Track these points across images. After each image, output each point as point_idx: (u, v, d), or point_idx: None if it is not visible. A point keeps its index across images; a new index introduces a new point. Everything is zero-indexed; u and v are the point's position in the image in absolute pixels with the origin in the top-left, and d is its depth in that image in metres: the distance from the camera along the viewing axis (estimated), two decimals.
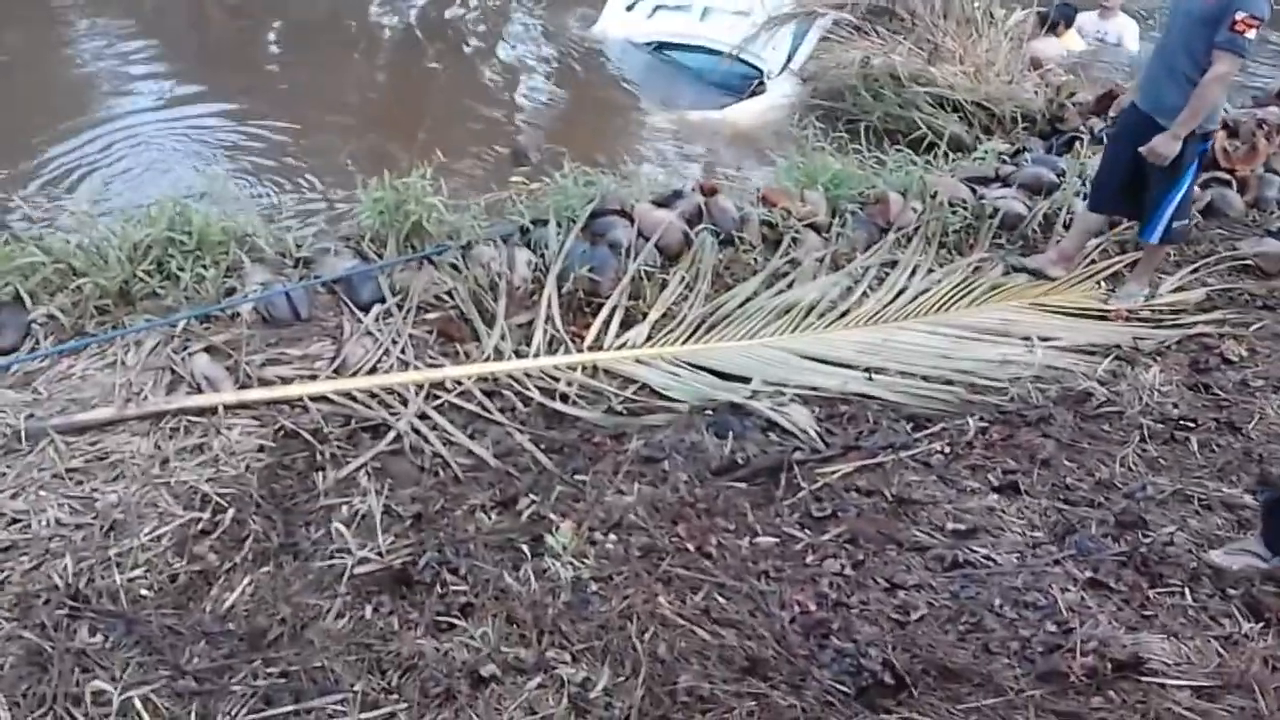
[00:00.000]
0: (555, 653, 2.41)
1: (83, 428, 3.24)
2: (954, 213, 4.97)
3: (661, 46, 7.50)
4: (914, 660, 2.43)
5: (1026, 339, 4.29)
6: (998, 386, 3.94)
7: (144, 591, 2.57)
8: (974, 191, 5.15)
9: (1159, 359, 4.21)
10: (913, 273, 4.71)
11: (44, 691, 2.22)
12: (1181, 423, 3.71)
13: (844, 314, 4.43)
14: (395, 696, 2.26)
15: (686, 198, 4.71)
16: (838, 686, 2.34)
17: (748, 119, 6.71)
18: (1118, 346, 4.27)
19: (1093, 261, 4.96)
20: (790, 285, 4.52)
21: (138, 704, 2.16)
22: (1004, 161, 5.60)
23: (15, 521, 2.84)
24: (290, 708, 2.21)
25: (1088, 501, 3.22)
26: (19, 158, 5.40)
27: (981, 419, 3.70)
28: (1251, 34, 4.11)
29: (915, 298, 4.59)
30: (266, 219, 4.34)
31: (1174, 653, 2.52)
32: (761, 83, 6.91)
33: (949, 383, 3.97)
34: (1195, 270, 4.96)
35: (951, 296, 4.63)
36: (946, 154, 5.62)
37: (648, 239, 4.43)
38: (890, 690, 2.34)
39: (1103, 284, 4.85)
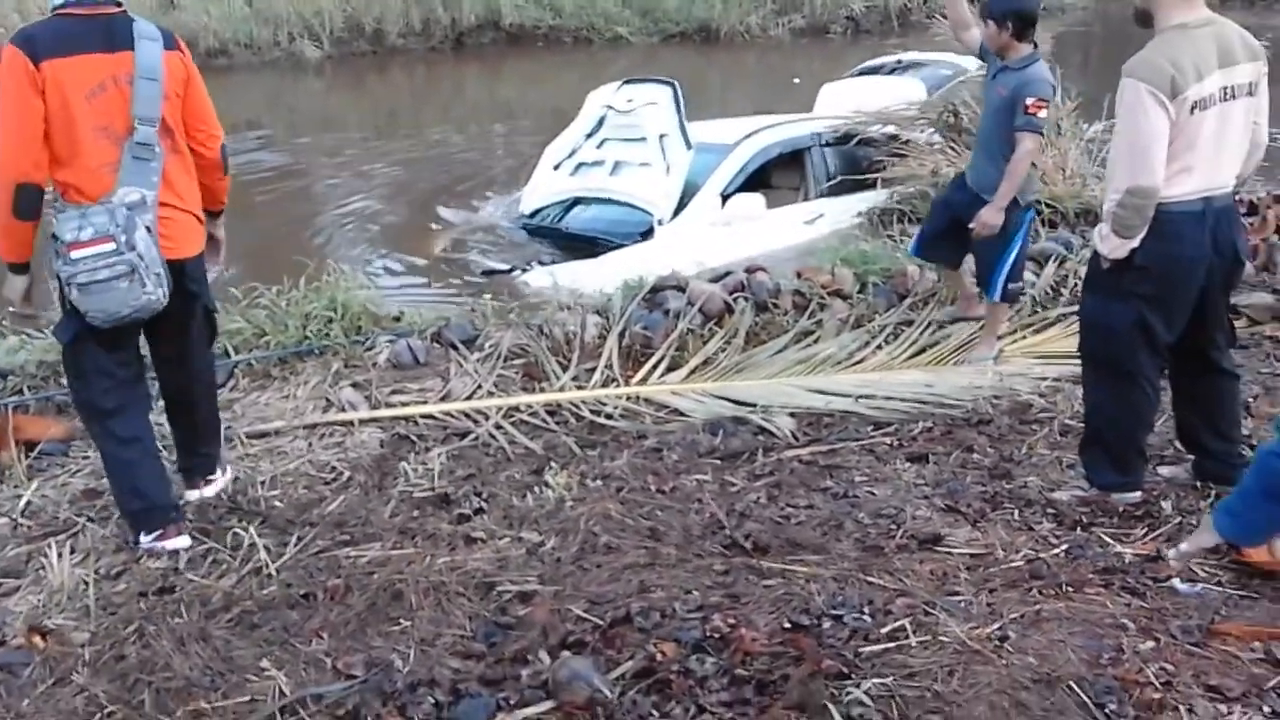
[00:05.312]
0: (526, 532, 3.55)
1: (261, 434, 4.65)
2: None
3: (577, 201, 8.18)
4: (774, 539, 3.43)
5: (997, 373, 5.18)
6: (960, 403, 4.85)
7: (276, 504, 3.90)
8: None
9: None
10: (925, 329, 5.68)
11: (209, 545, 3.55)
12: None
13: (857, 362, 5.44)
14: (413, 547, 3.46)
15: (733, 275, 5.89)
16: (708, 548, 3.38)
17: (624, 263, 6.94)
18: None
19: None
20: (815, 341, 5.58)
21: (259, 540, 3.46)
22: None
23: None
24: (346, 549, 3.45)
25: (978, 466, 4.10)
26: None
27: (932, 422, 4.63)
28: (1043, 114, 5.07)
29: (923, 350, 5.56)
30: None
31: (969, 536, 3.41)
32: (651, 229, 7.40)
33: (923, 402, 4.91)
34: None
35: (957, 351, 5.56)
36: None
37: (695, 305, 5.62)
38: (746, 552, 3.34)
39: None
